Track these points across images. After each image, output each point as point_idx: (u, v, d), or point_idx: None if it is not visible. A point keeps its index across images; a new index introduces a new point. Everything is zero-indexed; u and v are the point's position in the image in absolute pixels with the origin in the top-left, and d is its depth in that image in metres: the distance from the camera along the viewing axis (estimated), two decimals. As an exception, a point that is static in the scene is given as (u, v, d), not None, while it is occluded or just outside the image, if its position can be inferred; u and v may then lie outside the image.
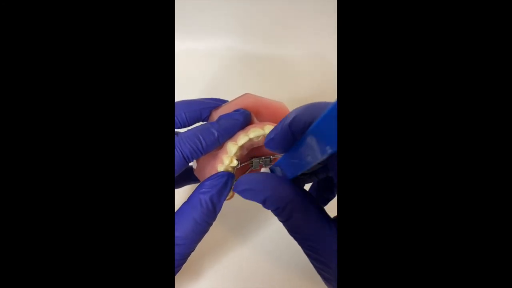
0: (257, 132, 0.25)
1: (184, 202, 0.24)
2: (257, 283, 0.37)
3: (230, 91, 0.45)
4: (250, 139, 0.25)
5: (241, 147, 0.26)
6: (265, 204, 0.21)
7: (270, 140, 0.22)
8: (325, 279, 0.21)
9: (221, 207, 0.24)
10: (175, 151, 0.24)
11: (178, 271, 0.24)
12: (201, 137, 0.24)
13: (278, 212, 0.21)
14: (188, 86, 0.45)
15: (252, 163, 0.27)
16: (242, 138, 0.25)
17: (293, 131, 0.20)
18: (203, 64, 0.47)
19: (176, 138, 0.24)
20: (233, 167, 0.25)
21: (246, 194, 0.22)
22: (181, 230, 0.22)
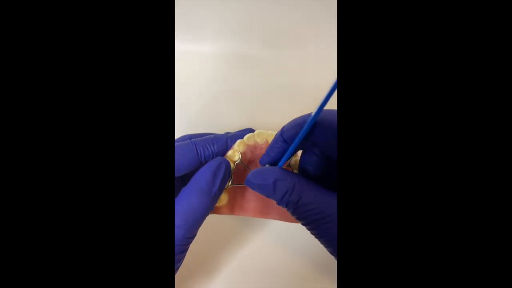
0: (262, 132, 0.28)
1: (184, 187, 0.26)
2: (271, 273, 0.38)
3: (230, 94, 0.45)
4: (254, 138, 0.28)
5: (246, 144, 0.28)
6: (275, 186, 0.23)
7: (265, 156, 0.26)
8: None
9: (216, 190, 0.25)
10: (192, 149, 0.27)
11: (180, 258, 0.25)
12: (214, 140, 0.28)
13: (288, 195, 0.23)
14: (187, 88, 0.45)
15: None
16: (248, 136, 0.28)
17: (285, 138, 0.25)
18: (202, 67, 0.47)
19: (195, 140, 0.28)
20: (234, 161, 0.28)
21: (257, 177, 0.24)
22: (178, 213, 0.24)
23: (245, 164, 0.29)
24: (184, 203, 0.24)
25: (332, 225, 0.22)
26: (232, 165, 0.27)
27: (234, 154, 0.28)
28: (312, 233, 0.24)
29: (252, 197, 0.29)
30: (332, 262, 0.33)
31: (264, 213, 0.28)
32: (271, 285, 0.39)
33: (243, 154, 0.28)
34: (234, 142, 0.28)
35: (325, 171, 0.27)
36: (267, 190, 0.24)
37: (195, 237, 0.31)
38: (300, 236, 0.39)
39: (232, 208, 0.28)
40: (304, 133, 0.23)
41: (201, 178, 0.25)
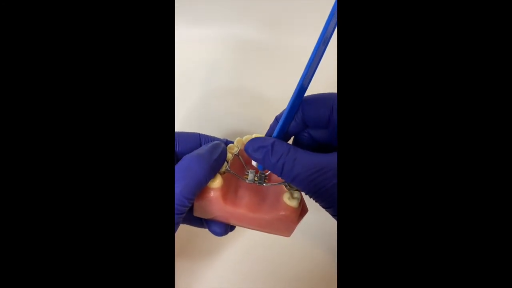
0: (259, 136, 0.30)
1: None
2: (272, 253, 0.39)
3: (231, 79, 0.45)
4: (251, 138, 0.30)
5: (243, 143, 0.30)
6: (273, 147, 0.26)
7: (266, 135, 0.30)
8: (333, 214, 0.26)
9: (215, 160, 0.27)
10: (197, 139, 0.30)
11: (177, 221, 0.26)
12: (215, 139, 0.31)
13: (285, 156, 0.25)
14: (188, 73, 0.45)
15: (248, 174, 0.30)
16: (246, 137, 0.30)
17: (278, 120, 0.28)
18: (204, 51, 0.47)
19: (200, 133, 0.31)
20: (232, 153, 0.30)
21: (256, 141, 0.27)
22: (177, 170, 0.26)
23: (242, 159, 0.31)
24: (184, 163, 0.26)
25: (328, 176, 0.24)
26: (229, 155, 0.30)
27: (233, 147, 0.30)
28: (307, 193, 0.26)
29: (245, 194, 0.30)
30: (334, 239, 0.34)
31: (255, 210, 0.29)
32: (272, 265, 0.40)
33: (240, 152, 0.30)
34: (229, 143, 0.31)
35: (314, 150, 0.29)
36: (265, 152, 0.26)
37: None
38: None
39: (224, 196, 0.29)
40: (293, 100, 0.26)
41: (201, 148, 0.28)
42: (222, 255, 0.40)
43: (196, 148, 0.29)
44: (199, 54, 0.46)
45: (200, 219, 0.32)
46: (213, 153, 0.27)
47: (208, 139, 0.31)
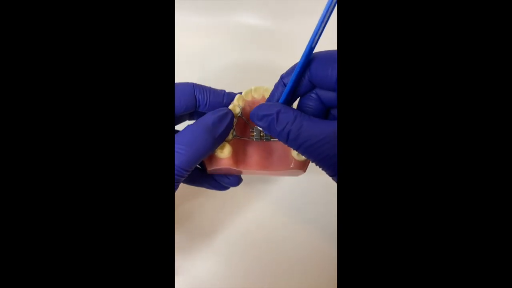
0: (259, 87, 0.30)
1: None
2: (267, 237, 0.40)
3: (230, 66, 0.45)
4: (252, 94, 0.30)
5: (244, 100, 0.30)
6: (278, 116, 0.25)
7: (268, 100, 0.28)
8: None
9: (220, 133, 0.27)
10: (191, 92, 0.28)
11: (180, 179, 0.26)
12: (211, 91, 0.29)
13: (290, 125, 0.25)
14: (188, 61, 0.45)
15: (254, 132, 0.30)
16: (245, 91, 0.30)
17: (285, 83, 0.27)
18: (204, 38, 0.46)
19: (195, 84, 0.29)
20: (236, 115, 0.29)
21: (262, 109, 0.26)
22: (179, 141, 0.25)
23: (245, 118, 0.30)
24: (187, 136, 0.26)
25: (333, 144, 0.24)
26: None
27: (235, 108, 0.29)
28: (312, 160, 0.26)
29: (254, 152, 0.30)
30: (330, 225, 0.35)
31: (266, 166, 0.30)
32: (267, 249, 0.40)
33: (242, 110, 0.30)
34: (229, 99, 0.30)
35: (321, 113, 0.28)
36: (270, 120, 0.25)
37: (198, 200, 0.32)
38: (299, 201, 0.40)
39: (236, 161, 0.29)
40: (302, 64, 0.25)
41: (208, 118, 0.27)
42: (219, 236, 0.41)
43: (191, 102, 0.28)
44: (198, 41, 0.46)
45: (201, 180, 0.33)
46: (219, 126, 0.27)
47: (203, 92, 0.29)
